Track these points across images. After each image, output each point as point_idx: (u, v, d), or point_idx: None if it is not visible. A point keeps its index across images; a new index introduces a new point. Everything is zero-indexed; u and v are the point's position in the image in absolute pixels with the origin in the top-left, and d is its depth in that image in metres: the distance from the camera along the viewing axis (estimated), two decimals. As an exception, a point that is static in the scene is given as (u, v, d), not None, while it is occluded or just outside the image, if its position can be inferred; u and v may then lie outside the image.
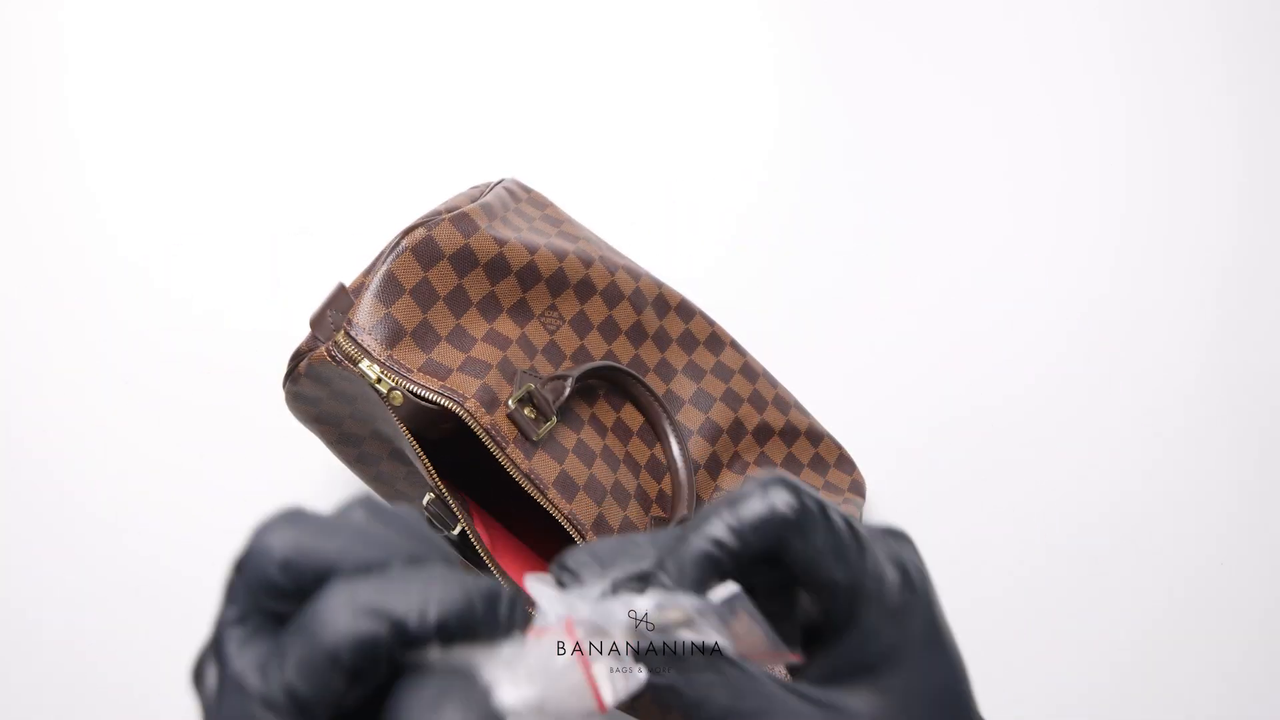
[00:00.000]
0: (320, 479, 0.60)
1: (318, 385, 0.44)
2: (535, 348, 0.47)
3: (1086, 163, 0.69)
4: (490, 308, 0.46)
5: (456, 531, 0.45)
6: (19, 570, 0.59)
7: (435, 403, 0.41)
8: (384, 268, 0.42)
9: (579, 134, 0.67)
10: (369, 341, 0.41)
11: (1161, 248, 0.69)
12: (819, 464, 0.58)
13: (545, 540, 0.56)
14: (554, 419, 0.45)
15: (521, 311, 0.47)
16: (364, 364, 0.41)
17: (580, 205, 0.65)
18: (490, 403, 0.43)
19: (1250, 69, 0.71)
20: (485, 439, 0.42)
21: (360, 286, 0.42)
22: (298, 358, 0.43)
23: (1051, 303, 0.67)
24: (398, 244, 0.43)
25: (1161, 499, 0.66)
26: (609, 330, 0.51)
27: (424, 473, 0.43)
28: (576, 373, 0.47)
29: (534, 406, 0.44)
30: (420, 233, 0.43)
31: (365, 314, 0.41)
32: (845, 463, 0.59)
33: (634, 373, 0.51)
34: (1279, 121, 0.71)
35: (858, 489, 0.58)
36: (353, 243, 0.63)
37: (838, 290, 0.66)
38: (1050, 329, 0.67)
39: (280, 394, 0.60)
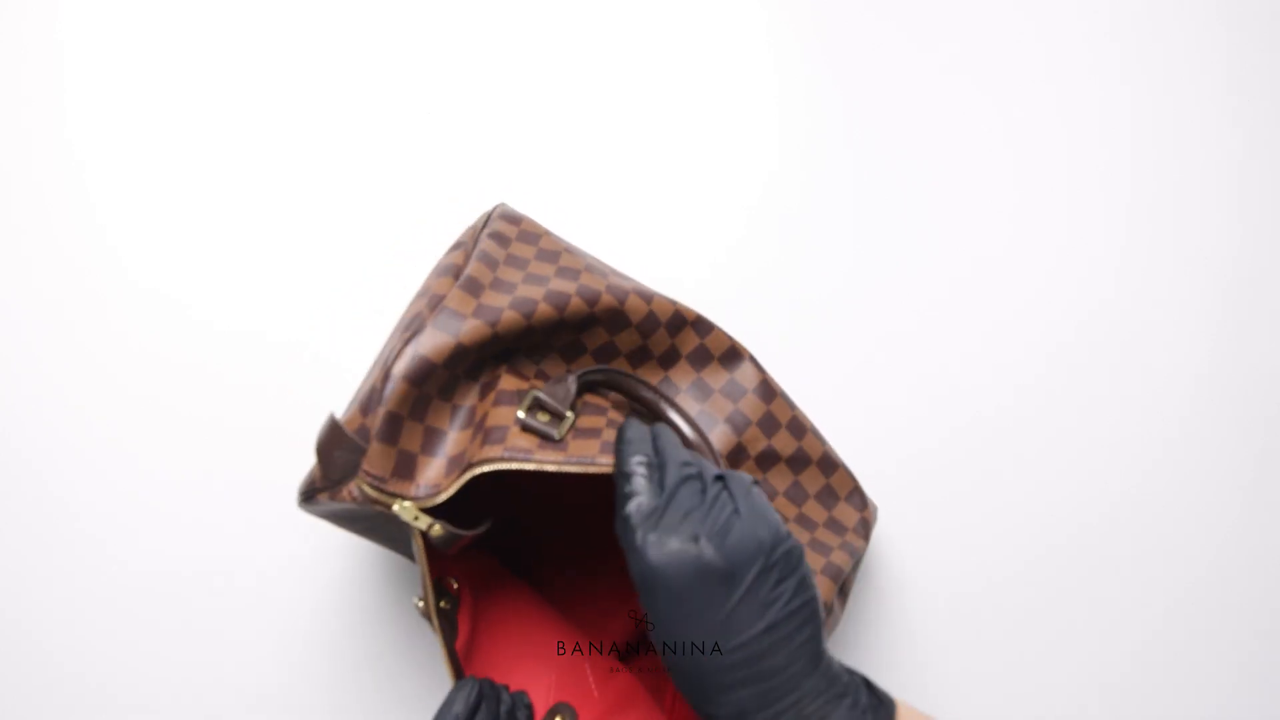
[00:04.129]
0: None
1: (336, 510, 0.44)
2: (526, 375, 0.47)
3: (1093, 167, 0.69)
4: (476, 368, 0.45)
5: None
6: (21, 583, 0.58)
7: (465, 489, 0.42)
8: (382, 410, 0.41)
9: (582, 133, 0.66)
10: (394, 486, 0.41)
11: (1166, 256, 0.68)
12: (828, 496, 0.56)
13: (580, 602, 0.56)
14: (570, 414, 0.44)
15: (507, 356, 0.47)
16: (396, 507, 0.41)
17: (582, 206, 0.65)
18: (500, 437, 0.42)
19: (1258, 69, 0.71)
20: (508, 465, 0.41)
21: (362, 429, 0.41)
22: (317, 493, 0.42)
23: (1060, 305, 0.67)
24: (388, 374, 0.42)
25: (1167, 504, 0.66)
26: (605, 354, 0.50)
27: (427, 599, 0.43)
28: (578, 372, 0.46)
29: (545, 411, 0.44)
30: (409, 354, 0.42)
31: (379, 460, 0.41)
32: (856, 496, 0.56)
33: (631, 372, 0.50)
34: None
35: (864, 527, 0.56)
36: (352, 244, 0.63)
37: (841, 294, 0.65)
38: (1057, 332, 0.67)
39: (282, 402, 0.60)
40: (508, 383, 0.45)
